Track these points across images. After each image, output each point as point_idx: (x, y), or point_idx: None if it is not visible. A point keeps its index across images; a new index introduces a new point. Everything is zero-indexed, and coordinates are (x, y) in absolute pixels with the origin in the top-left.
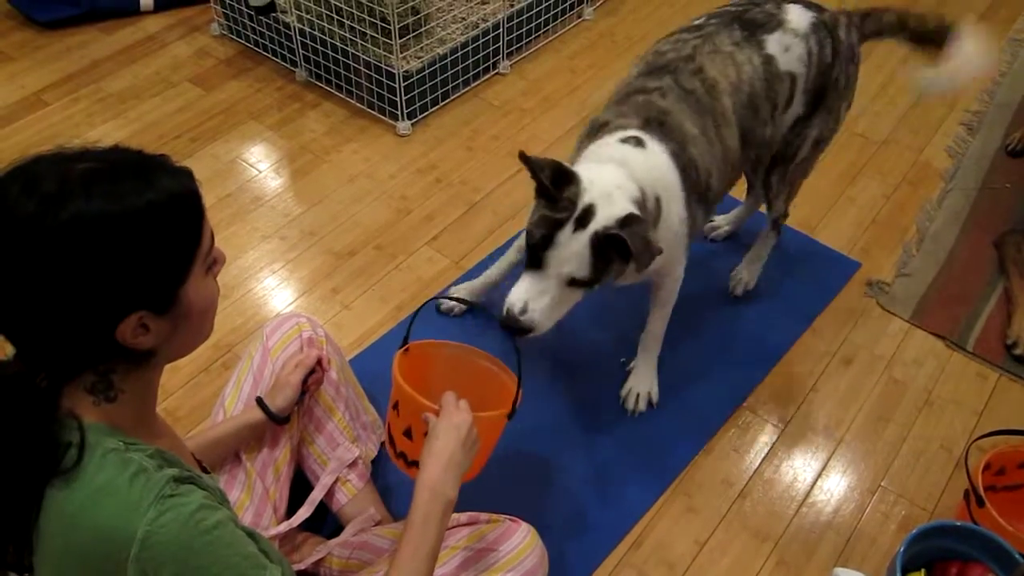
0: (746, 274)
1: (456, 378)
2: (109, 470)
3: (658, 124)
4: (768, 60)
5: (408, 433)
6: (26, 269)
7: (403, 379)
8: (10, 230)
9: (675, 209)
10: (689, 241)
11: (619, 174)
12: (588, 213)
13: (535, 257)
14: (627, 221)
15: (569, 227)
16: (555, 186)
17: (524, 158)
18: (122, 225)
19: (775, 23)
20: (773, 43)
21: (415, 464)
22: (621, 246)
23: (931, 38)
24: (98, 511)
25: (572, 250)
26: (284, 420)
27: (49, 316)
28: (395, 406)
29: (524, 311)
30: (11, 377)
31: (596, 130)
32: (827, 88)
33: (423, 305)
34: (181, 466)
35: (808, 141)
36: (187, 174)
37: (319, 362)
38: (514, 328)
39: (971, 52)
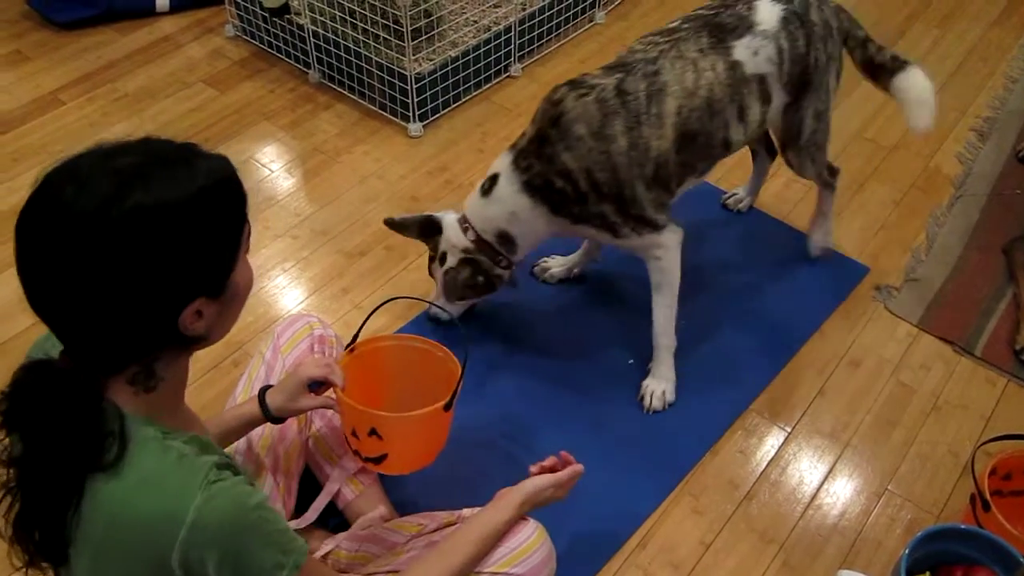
0: (820, 236)
1: (408, 369)
2: (151, 458)
3: (539, 142)
4: (733, 66)
5: (355, 433)
6: (92, 265)
7: (352, 381)
8: (73, 228)
9: (538, 224)
10: (640, 215)
11: (457, 231)
12: (443, 258)
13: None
14: (450, 269)
15: (436, 264)
16: (426, 237)
17: (389, 223)
18: (180, 211)
19: (745, 27)
20: (741, 49)
21: (369, 460)
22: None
23: (879, 70)
24: (144, 499)
25: (439, 280)
26: (279, 420)
27: (117, 309)
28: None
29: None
30: (60, 372)
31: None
32: (808, 73)
33: (383, 303)
34: (218, 452)
35: (807, 119)
36: (223, 158)
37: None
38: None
39: (914, 96)
